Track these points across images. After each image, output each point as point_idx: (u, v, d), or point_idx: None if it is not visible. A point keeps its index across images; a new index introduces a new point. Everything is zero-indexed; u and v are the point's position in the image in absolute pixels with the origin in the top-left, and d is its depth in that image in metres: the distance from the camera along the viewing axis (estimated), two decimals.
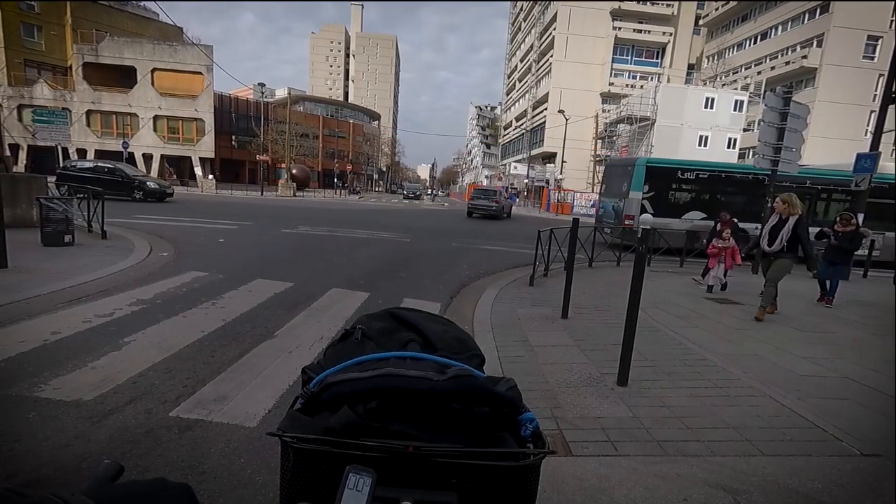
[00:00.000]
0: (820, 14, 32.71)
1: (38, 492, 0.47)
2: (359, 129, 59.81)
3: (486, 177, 76.77)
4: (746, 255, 7.67)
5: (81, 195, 9.15)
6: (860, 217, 8.11)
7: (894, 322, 5.80)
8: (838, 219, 7.26)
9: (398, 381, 0.85)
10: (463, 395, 0.84)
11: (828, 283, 6.99)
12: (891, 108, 9.52)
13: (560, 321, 5.14)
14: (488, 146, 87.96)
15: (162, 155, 34.47)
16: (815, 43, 32.55)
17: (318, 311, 4.96)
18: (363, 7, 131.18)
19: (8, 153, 10.55)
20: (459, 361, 0.98)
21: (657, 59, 44.57)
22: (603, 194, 15.64)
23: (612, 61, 43.03)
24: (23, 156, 31.45)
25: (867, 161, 9.85)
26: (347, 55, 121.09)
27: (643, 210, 12.73)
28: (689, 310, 6.16)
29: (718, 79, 40.55)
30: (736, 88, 36.60)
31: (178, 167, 36.63)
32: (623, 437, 2.66)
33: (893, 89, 9.30)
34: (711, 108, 33.60)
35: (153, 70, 33.47)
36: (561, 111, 34.12)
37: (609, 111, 39.65)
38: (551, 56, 44.02)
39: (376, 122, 71.60)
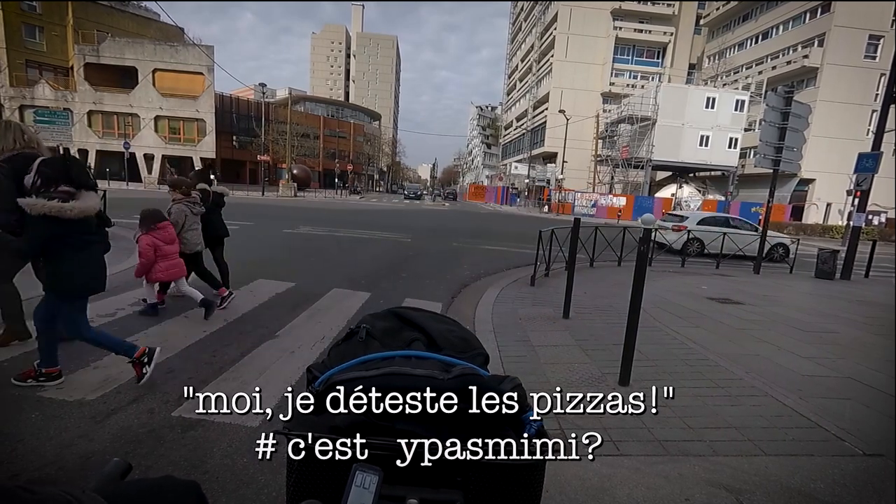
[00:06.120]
0: (821, 14, 32.66)
1: (47, 488, 0.47)
2: (359, 130, 59.84)
3: (487, 177, 76.84)
4: None
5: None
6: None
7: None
8: None
9: (403, 379, 0.85)
10: (468, 394, 0.84)
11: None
12: (892, 107, 9.52)
13: (561, 321, 5.14)
14: (489, 146, 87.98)
15: (163, 155, 34.55)
16: (816, 42, 32.49)
17: (320, 311, 4.97)
18: (363, 7, 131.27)
19: None
20: (464, 360, 0.98)
21: (658, 58, 44.56)
22: None
23: (613, 61, 43.06)
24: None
25: (869, 161, 9.86)
26: (348, 55, 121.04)
27: None
28: (691, 310, 6.16)
29: (719, 78, 40.50)
30: (737, 88, 36.53)
31: (180, 167, 36.61)
32: (625, 437, 2.66)
33: (895, 89, 9.30)
34: (712, 107, 33.53)
35: (154, 70, 33.56)
36: (562, 111, 34.13)
37: (610, 111, 39.61)
38: (552, 56, 44.06)
39: (377, 123, 71.54)
